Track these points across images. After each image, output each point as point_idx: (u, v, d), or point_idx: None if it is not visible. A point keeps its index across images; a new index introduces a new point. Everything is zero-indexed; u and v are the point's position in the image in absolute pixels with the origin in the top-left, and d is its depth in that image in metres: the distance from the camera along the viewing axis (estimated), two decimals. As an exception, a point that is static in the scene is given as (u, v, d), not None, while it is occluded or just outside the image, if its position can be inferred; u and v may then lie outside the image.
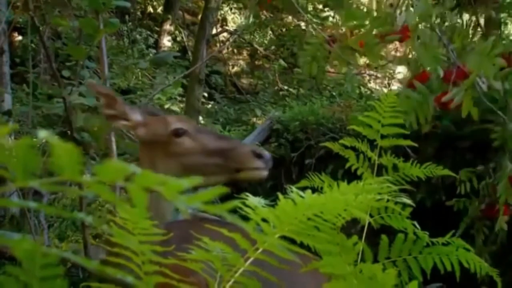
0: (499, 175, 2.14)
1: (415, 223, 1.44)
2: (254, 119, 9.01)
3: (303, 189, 1.19)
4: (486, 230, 2.09)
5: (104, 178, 0.47)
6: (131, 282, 0.57)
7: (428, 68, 1.74)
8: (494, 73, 1.64)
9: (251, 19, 11.88)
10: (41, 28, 4.74)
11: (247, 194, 1.21)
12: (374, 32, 1.92)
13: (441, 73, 1.68)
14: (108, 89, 1.86)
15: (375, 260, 1.37)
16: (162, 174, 0.54)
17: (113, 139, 2.75)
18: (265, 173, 1.81)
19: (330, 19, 11.35)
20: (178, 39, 11.84)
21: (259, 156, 1.78)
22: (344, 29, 2.08)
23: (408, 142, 1.54)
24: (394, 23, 1.85)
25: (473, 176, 2.50)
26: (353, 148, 1.57)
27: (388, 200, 1.28)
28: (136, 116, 1.84)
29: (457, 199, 2.74)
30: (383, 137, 1.50)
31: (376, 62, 2.10)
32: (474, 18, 2.30)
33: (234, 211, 1.04)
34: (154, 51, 10.66)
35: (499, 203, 1.90)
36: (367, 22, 1.91)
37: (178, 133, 1.80)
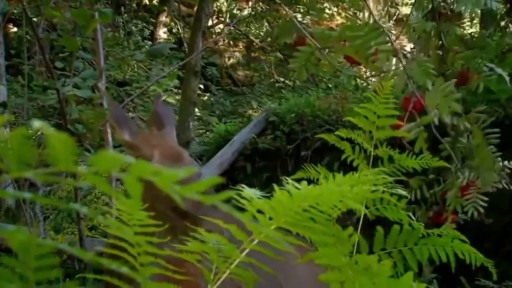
0: (449, 183, 2.17)
1: (410, 214, 1.44)
2: (250, 111, 9.02)
3: (299, 180, 1.19)
4: None
5: (99, 168, 0.46)
6: (125, 272, 0.57)
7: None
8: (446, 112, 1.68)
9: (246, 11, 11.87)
10: (36, 20, 4.73)
11: (243, 185, 1.21)
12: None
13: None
14: (109, 98, 1.81)
15: (371, 252, 1.37)
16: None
17: (108, 130, 2.74)
18: None
19: (327, 10, 11.34)
20: (174, 30, 11.82)
21: None
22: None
23: (404, 134, 1.54)
24: (388, 35, 1.87)
25: (423, 184, 2.58)
26: (349, 140, 1.57)
27: (383, 192, 1.29)
28: (125, 134, 1.81)
29: (407, 205, 2.79)
30: (379, 128, 1.50)
31: (374, 72, 2.12)
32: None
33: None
34: (150, 42, 10.64)
35: (448, 211, 1.93)
36: (361, 34, 1.92)
37: None
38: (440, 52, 1.95)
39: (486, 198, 1.90)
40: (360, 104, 1.50)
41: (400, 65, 1.80)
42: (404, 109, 1.71)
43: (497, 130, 1.88)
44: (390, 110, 1.46)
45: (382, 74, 1.94)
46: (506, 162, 1.91)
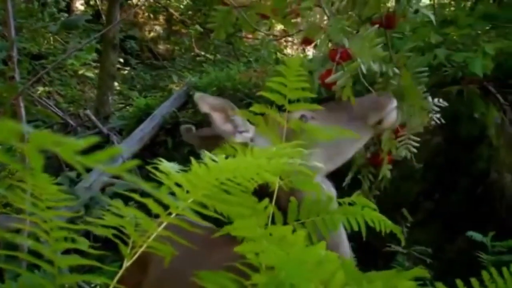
0: None
1: (322, 184, 1.47)
2: (171, 85, 8.93)
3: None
4: (372, 177, 2.17)
5: (-2, 139, 0.45)
6: (29, 246, 0.56)
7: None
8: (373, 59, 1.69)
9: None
10: None
11: (161, 159, 1.20)
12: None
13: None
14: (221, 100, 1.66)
15: (285, 223, 1.39)
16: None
17: (21, 104, 2.64)
18: None
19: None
20: (92, 3, 11.49)
21: None
22: None
23: (315, 106, 1.56)
24: None
25: None
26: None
27: (300, 164, 1.30)
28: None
29: None
30: (290, 102, 1.50)
31: (291, 30, 2.12)
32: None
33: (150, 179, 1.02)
34: (66, 15, 10.30)
35: (383, 153, 1.99)
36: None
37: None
38: None
39: (418, 139, 1.94)
40: (272, 78, 1.50)
41: (321, 19, 1.78)
42: (331, 60, 1.71)
43: (425, 69, 1.90)
44: (302, 83, 1.47)
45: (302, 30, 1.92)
46: (436, 100, 1.93)
